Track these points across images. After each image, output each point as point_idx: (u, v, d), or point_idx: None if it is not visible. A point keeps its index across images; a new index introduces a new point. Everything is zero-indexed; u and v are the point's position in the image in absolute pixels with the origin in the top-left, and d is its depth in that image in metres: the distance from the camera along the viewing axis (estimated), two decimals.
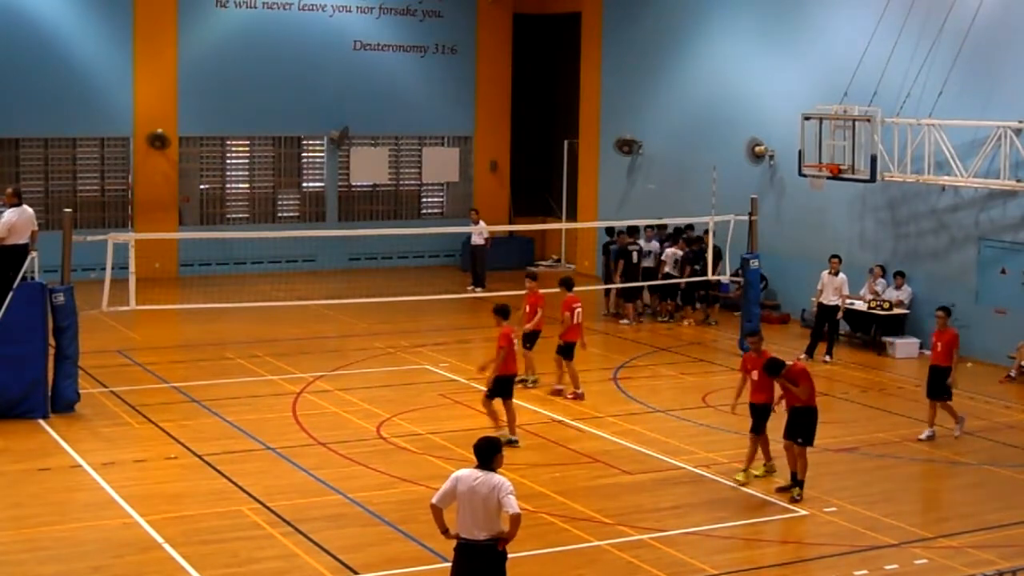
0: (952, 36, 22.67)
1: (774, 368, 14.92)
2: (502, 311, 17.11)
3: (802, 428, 14.94)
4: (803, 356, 22.84)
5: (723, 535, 13.87)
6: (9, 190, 18.98)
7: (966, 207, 23.26)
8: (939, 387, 17.64)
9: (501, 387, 16.77)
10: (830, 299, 22.92)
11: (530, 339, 19.94)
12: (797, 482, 15.05)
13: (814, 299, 23.46)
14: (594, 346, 23.32)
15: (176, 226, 30.60)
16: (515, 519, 9.92)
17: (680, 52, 29.90)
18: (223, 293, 25.65)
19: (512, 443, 16.42)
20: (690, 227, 26.67)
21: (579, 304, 19.74)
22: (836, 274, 22.96)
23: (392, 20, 32.85)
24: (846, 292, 22.91)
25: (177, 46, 30.64)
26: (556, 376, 19.82)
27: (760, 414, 15.50)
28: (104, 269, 19.48)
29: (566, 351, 19.59)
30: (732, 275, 24.75)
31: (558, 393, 19.61)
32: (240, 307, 25.03)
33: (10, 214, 18.43)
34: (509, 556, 10.19)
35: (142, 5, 30.21)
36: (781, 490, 15.20)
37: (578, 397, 19.39)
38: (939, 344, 17.75)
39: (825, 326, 22.97)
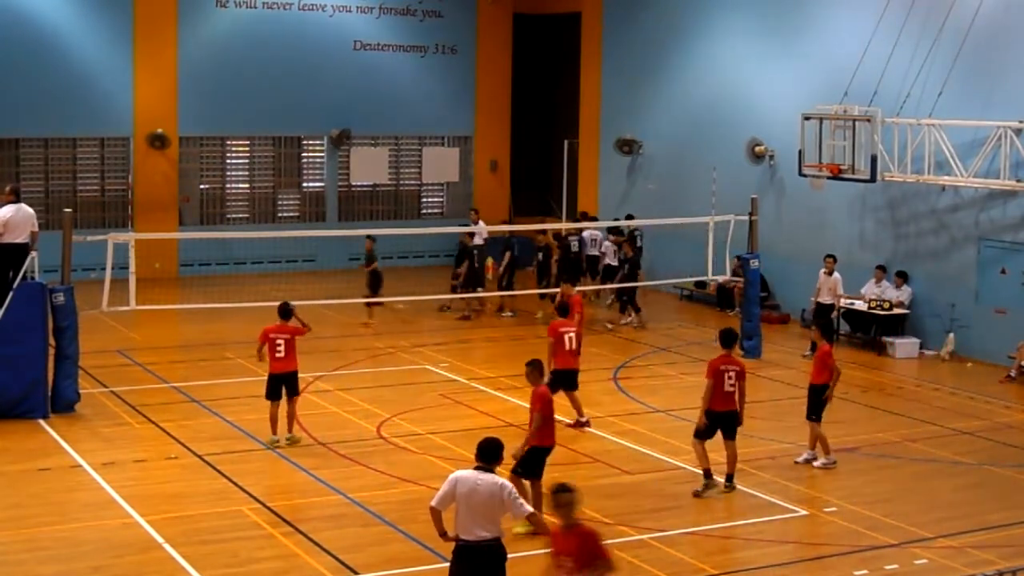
0: (952, 36, 22.67)
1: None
2: (284, 311, 16.84)
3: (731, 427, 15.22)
4: (808, 353, 22.92)
5: (723, 535, 13.88)
6: (7, 188, 19.00)
7: (966, 207, 23.26)
8: (810, 406, 16.48)
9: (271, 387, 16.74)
10: (825, 298, 23.02)
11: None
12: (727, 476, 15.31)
13: (812, 299, 23.52)
14: (594, 346, 23.33)
15: (176, 226, 30.61)
16: (535, 518, 10.09)
17: (680, 52, 29.90)
18: (223, 293, 25.64)
19: (292, 441, 16.72)
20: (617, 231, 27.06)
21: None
22: (831, 273, 23.05)
23: (392, 20, 32.87)
24: (840, 291, 23.00)
25: (177, 46, 30.66)
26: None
27: (536, 458, 13.76)
28: (104, 269, 19.49)
29: None
30: (732, 275, 24.82)
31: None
32: (240, 307, 25.02)
33: (6, 210, 18.43)
34: (509, 556, 10.19)
35: (142, 5, 30.23)
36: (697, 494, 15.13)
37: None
38: (814, 361, 16.74)
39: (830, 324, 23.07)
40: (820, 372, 16.41)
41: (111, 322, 23.21)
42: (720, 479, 15.30)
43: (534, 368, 13.82)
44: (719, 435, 15.33)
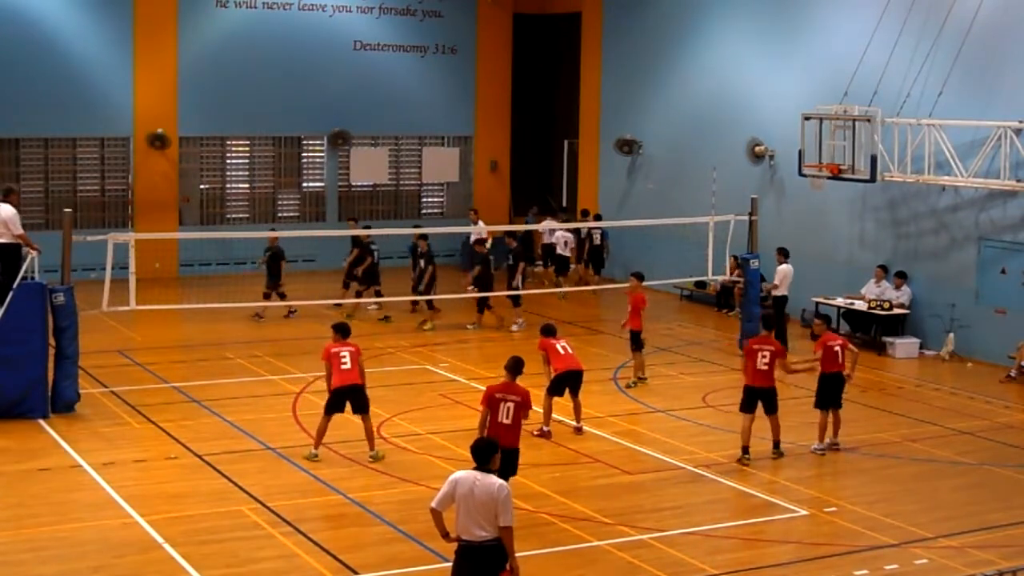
0: (952, 36, 22.67)
1: None
2: (343, 329, 16.31)
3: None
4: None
5: (723, 535, 13.88)
6: None
7: (966, 207, 23.26)
8: (835, 395, 17.23)
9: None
10: (780, 290, 23.89)
11: (635, 339, 20.64)
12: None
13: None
14: (594, 346, 23.36)
15: (176, 226, 30.59)
16: (506, 532, 9.93)
17: (680, 52, 29.91)
18: (223, 293, 25.62)
19: (376, 458, 16.16)
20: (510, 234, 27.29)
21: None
22: (779, 265, 23.82)
23: (392, 20, 32.87)
24: (776, 281, 23.65)
25: (177, 46, 30.65)
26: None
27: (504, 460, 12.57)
28: (104, 269, 19.49)
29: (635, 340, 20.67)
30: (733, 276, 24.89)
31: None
32: (240, 307, 25.06)
33: None
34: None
35: (142, 5, 30.22)
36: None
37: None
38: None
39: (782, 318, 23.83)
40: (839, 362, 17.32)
41: (111, 322, 23.21)
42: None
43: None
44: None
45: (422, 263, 25.30)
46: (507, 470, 13.13)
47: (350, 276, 26.11)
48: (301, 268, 30.66)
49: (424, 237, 25.60)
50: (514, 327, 24.75)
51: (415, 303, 25.91)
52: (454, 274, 31.37)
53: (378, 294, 25.95)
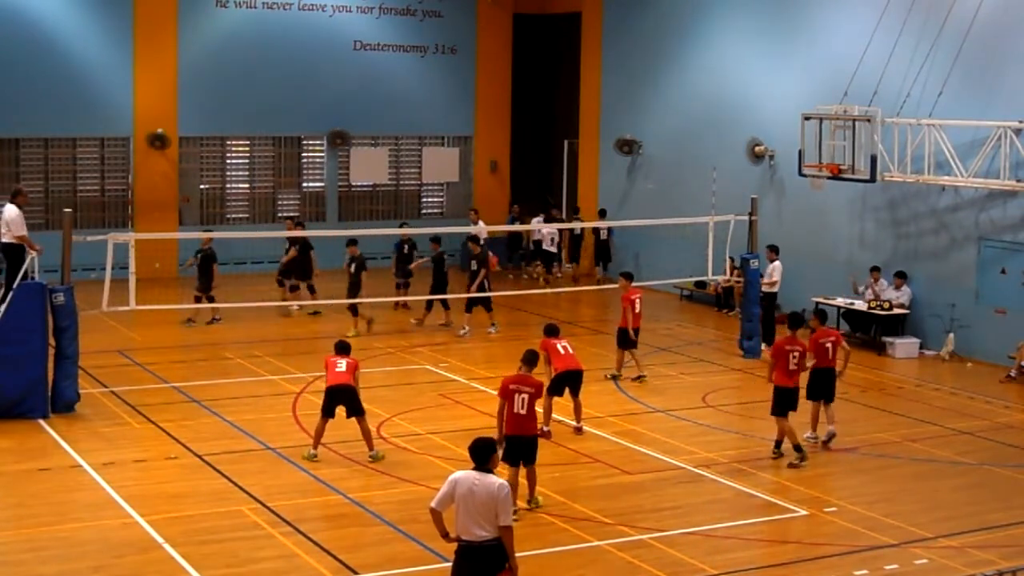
0: (952, 36, 22.68)
1: None
2: (344, 347, 16.57)
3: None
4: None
5: (723, 535, 13.87)
6: None
7: (966, 207, 23.26)
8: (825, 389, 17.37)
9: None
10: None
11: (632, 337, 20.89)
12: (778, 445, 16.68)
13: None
14: (594, 346, 23.36)
15: (176, 226, 30.59)
16: (506, 532, 9.93)
17: (680, 52, 29.91)
18: (223, 293, 25.59)
19: (376, 458, 16.16)
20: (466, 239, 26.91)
21: (639, 295, 21.04)
22: (771, 262, 24.03)
23: (392, 20, 32.88)
24: (767, 280, 23.77)
25: (177, 46, 30.66)
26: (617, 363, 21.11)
27: (524, 447, 14.31)
28: (104, 269, 19.49)
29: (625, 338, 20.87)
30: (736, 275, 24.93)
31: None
32: (240, 307, 25.05)
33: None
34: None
35: (142, 5, 30.23)
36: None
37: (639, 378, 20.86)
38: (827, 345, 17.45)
39: (772, 315, 23.92)
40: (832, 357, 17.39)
41: (111, 322, 23.21)
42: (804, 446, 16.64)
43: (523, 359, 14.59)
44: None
45: (352, 268, 24.42)
46: (528, 457, 14.11)
47: (285, 274, 26.34)
48: None
49: (354, 242, 24.64)
50: (462, 332, 24.35)
51: (398, 303, 26.17)
52: (451, 274, 31.39)
53: (311, 289, 26.05)
